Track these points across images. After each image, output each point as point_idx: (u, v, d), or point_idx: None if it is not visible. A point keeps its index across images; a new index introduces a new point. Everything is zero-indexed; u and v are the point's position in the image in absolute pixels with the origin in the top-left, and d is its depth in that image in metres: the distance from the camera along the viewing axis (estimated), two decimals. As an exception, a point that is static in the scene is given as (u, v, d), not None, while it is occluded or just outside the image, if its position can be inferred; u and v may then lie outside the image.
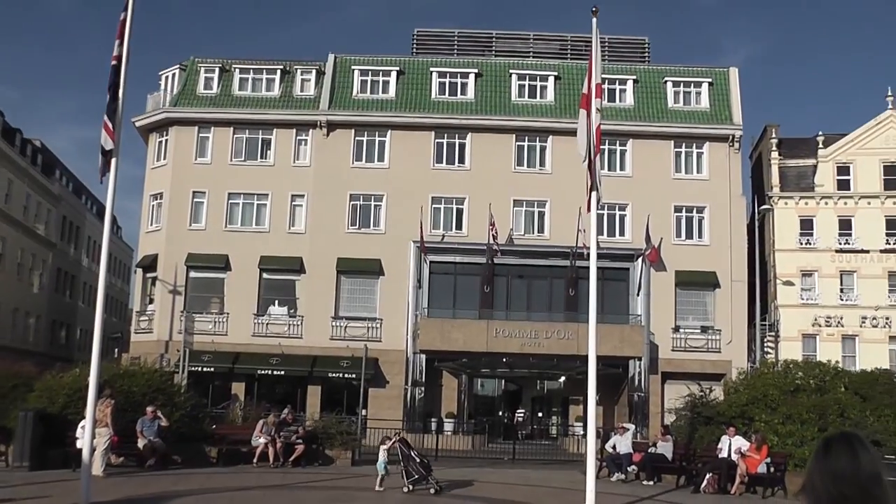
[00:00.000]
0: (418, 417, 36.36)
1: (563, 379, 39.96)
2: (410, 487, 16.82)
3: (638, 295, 38.78)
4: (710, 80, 42.48)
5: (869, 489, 2.88)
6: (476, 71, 42.15)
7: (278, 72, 42.06)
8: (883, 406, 21.20)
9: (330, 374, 37.96)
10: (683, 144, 41.25)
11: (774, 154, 47.50)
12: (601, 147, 40.60)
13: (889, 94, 48.73)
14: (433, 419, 35.64)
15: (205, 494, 16.01)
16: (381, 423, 29.82)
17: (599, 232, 38.59)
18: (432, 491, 16.67)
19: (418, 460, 17.04)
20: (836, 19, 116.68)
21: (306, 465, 21.75)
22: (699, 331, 39.79)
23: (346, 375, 37.11)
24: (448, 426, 35.26)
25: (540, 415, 42.76)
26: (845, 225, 47.09)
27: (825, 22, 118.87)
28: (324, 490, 17.29)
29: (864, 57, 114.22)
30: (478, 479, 19.38)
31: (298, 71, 42.29)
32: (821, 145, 47.72)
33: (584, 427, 32.85)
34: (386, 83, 41.88)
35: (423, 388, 37.80)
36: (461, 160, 40.79)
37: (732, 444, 19.99)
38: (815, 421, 20.70)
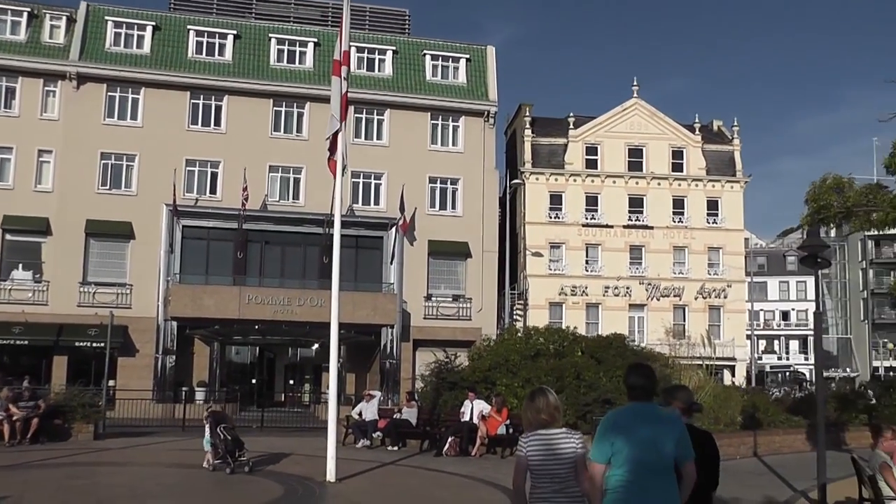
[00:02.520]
0: (169, 387, 36.72)
1: (316, 346, 41.28)
2: (213, 465, 16.51)
3: (392, 263, 40.99)
4: (467, 56, 45.49)
5: (555, 414, 5.84)
6: (235, 32, 42.76)
7: (25, 14, 40.56)
8: (615, 368, 22.66)
9: (77, 344, 37.32)
10: (440, 117, 44.02)
11: (528, 132, 51.80)
12: (357, 115, 42.65)
13: (635, 83, 54.33)
14: (184, 388, 35.67)
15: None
16: (130, 393, 30.48)
17: (355, 200, 41.34)
18: (228, 470, 16.10)
19: (223, 436, 16.39)
20: (591, 9, 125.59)
21: (46, 441, 21.20)
22: (451, 299, 42.73)
23: (94, 345, 36.32)
24: (199, 395, 35.59)
25: (291, 382, 44.30)
26: (592, 201, 52.23)
27: (581, 11, 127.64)
28: (62, 467, 16.82)
29: (614, 47, 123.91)
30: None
31: (47, 16, 41.02)
32: (571, 126, 52.55)
33: (337, 395, 34.82)
34: (141, 38, 41.55)
35: (174, 357, 38.15)
36: (217, 123, 41.40)
37: (475, 408, 21.10)
38: (553, 383, 21.66)
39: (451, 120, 44.22)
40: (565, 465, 5.72)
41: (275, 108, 42.01)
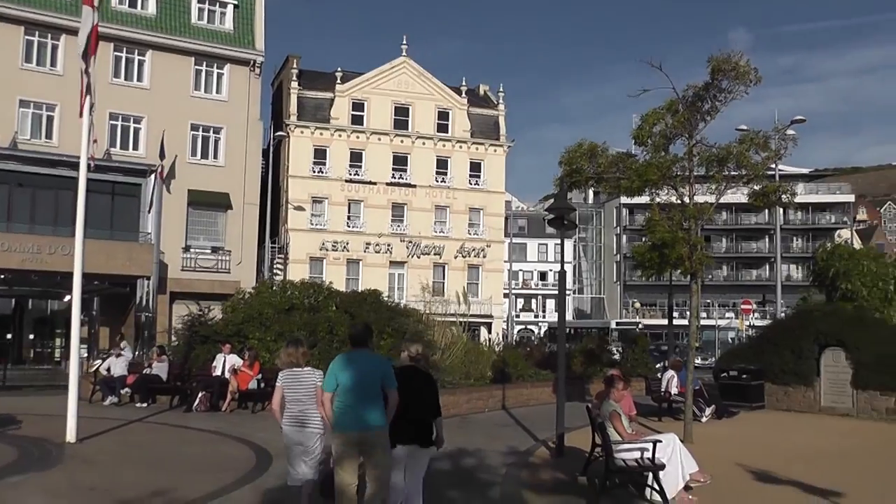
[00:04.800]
0: None
1: (67, 298, 40.49)
2: None
3: (149, 212, 40.47)
4: (235, 2, 45.81)
5: (301, 360, 8.78)
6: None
7: None
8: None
9: None
10: (205, 63, 44.29)
11: (294, 84, 53.25)
12: (117, 54, 42.16)
13: (405, 42, 56.86)
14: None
15: None
16: None
17: (112, 144, 41.36)
18: None
19: None
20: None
21: None
22: (210, 251, 43.21)
23: None
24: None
25: (37, 337, 43.24)
26: (356, 157, 54.54)
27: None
28: None
29: (386, 4, 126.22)
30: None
31: None
32: (339, 81, 54.47)
33: (88, 350, 34.63)
34: None
35: None
36: (-41, 51, 39.69)
37: (227, 362, 21.43)
38: (307, 338, 22.87)
39: (215, 67, 44.58)
40: (307, 394, 8.65)
41: (26, 38, 40.16)
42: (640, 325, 77.85)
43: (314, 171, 53.01)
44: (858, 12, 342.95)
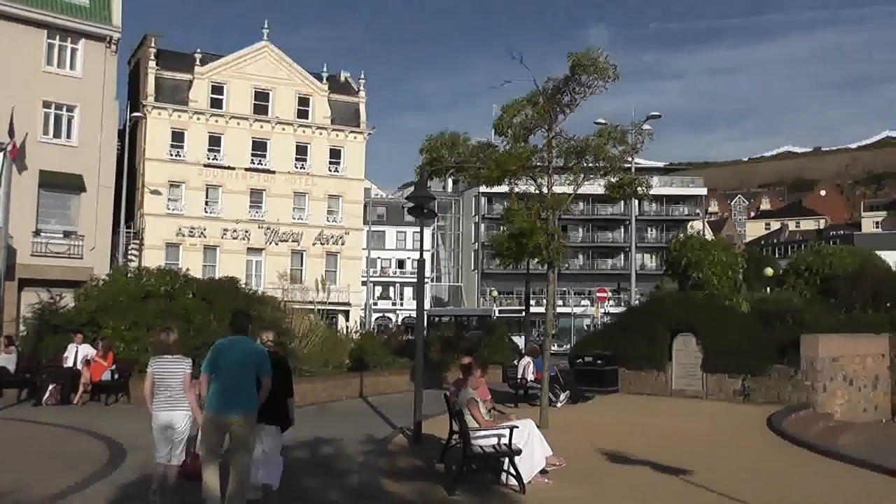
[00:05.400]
0: None
1: None
2: None
3: None
4: (86, -25, 44.36)
5: (172, 347, 9.46)
6: None
7: None
8: (226, 311, 22.57)
9: None
10: (58, 37, 42.52)
11: (152, 64, 52.20)
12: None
13: (266, 26, 56.44)
14: None
15: None
16: None
17: (-43, 120, 39.16)
18: None
19: None
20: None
21: None
22: (62, 236, 41.77)
23: None
24: None
25: None
26: (215, 141, 54.01)
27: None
28: None
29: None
30: None
31: None
32: (198, 63, 53.72)
33: None
34: None
35: None
36: None
37: (79, 352, 20.87)
38: (177, 326, 22.58)
39: (69, 41, 43.04)
40: (177, 380, 9.23)
41: None
42: (495, 314, 79.52)
43: (172, 155, 52.21)
44: (713, 15, 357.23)
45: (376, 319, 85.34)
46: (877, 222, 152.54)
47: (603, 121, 19.85)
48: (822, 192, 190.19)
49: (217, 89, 54.34)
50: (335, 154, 58.04)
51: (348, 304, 56.16)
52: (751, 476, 12.33)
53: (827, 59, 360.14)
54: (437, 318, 57.78)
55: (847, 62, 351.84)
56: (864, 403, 23.27)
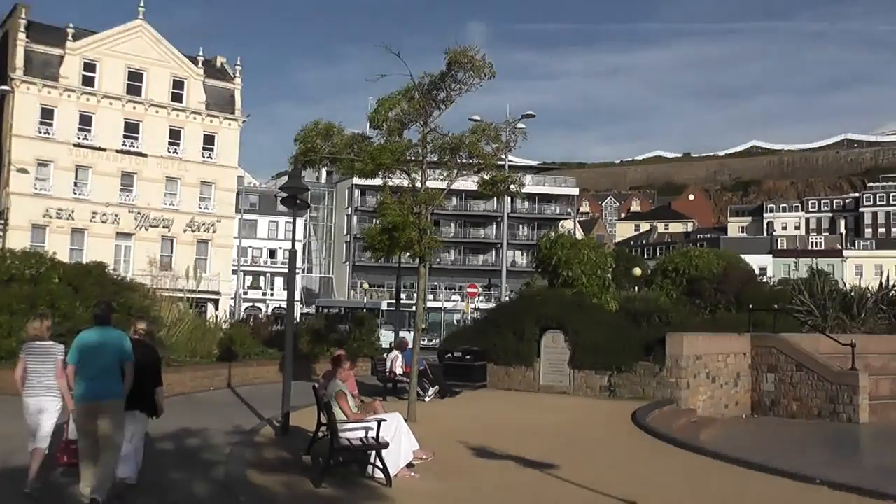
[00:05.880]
0: None
1: None
2: None
3: None
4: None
5: (45, 333, 9.58)
6: None
7: None
8: (93, 297, 21.52)
9: None
10: (-79, 8, 41.73)
11: (21, 35, 50.57)
12: None
13: (142, 5, 55.46)
14: None
15: None
16: None
17: None
18: None
19: None
20: None
21: None
22: None
23: None
24: None
25: None
26: (86, 120, 52.82)
27: None
28: None
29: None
30: None
31: None
32: (70, 38, 52.37)
33: None
34: None
35: None
36: None
37: None
38: (27, 311, 20.08)
39: (-67, 12, 42.06)
40: (48, 366, 9.40)
41: None
42: (364, 307, 79.94)
43: (40, 132, 50.82)
44: (591, 19, 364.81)
45: (246, 309, 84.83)
46: (742, 227, 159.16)
47: (478, 118, 20.03)
48: (691, 197, 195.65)
49: (89, 66, 53.11)
50: (209, 140, 57.51)
51: (218, 293, 55.71)
52: (614, 469, 12.68)
53: (699, 70, 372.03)
54: (324, 309, 57.23)
55: (717, 73, 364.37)
56: (725, 400, 24.04)
